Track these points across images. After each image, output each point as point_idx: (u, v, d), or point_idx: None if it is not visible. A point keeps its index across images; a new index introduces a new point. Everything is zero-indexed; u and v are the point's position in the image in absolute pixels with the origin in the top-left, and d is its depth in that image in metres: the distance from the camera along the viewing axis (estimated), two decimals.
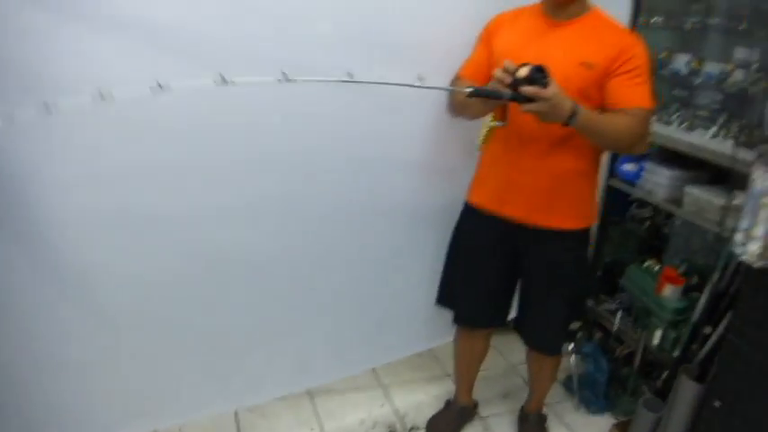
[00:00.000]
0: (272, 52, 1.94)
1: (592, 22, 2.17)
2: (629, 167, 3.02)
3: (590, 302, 3.19)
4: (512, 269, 2.41)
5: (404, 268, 2.67)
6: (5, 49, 1.74)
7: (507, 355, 3.21)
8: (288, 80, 1.82)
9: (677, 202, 2.79)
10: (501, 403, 2.99)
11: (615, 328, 2.99)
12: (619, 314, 3.01)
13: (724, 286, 2.42)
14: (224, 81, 1.78)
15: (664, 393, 2.55)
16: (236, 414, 2.79)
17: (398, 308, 2.73)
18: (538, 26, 2.21)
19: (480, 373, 2.80)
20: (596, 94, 2.10)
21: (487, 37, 2.29)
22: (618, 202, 3.25)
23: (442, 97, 2.35)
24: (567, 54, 2.09)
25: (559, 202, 2.25)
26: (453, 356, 2.77)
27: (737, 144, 2.47)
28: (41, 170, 1.93)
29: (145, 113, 1.95)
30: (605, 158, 2.96)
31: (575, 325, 2.43)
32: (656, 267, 2.95)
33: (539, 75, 1.86)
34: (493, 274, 2.43)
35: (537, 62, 1.88)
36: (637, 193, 3.02)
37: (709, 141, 2.70)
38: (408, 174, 2.54)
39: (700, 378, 2.38)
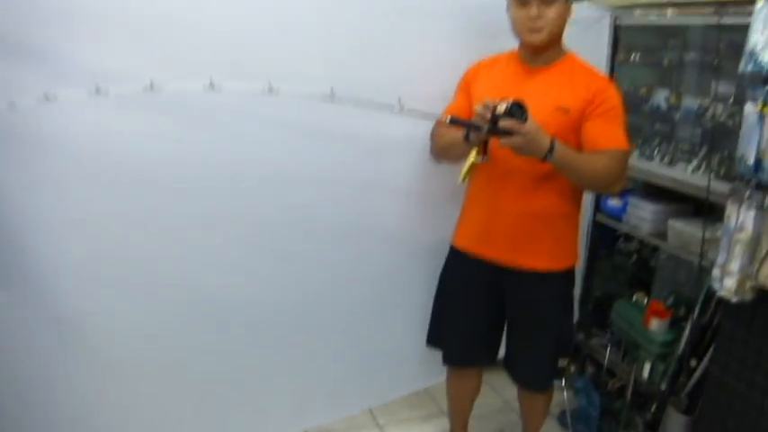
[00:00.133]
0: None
1: (566, 68, 2.25)
2: (614, 203, 3.08)
3: (581, 337, 3.23)
4: (498, 309, 2.45)
5: (397, 309, 2.72)
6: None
7: (501, 391, 3.24)
8: (271, 91, 1.90)
9: (662, 235, 2.84)
10: None
11: (606, 361, 3.02)
12: (609, 348, 3.04)
13: (707, 319, 2.46)
14: (212, 87, 1.86)
15: (654, 426, 2.59)
16: None
17: (393, 348, 2.76)
18: (515, 73, 2.29)
19: (475, 410, 2.82)
20: (573, 137, 2.17)
21: (466, 85, 2.38)
22: (605, 236, 3.31)
23: (428, 142, 2.43)
24: (542, 100, 2.16)
25: (541, 243, 2.31)
26: (446, 395, 2.80)
27: (717, 177, 2.52)
28: (36, 218, 2.01)
29: (138, 165, 2.07)
30: (590, 196, 3.03)
31: (563, 362, 2.45)
32: (645, 300, 2.99)
33: (517, 110, 1.93)
34: (479, 315, 2.48)
35: None
36: (622, 227, 3.08)
37: (690, 175, 2.74)
38: (400, 215, 2.62)
39: (688, 410, 2.42)
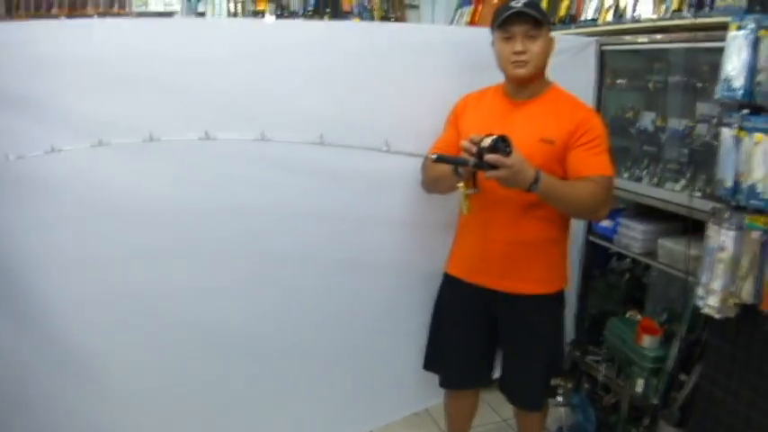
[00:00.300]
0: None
1: (551, 100, 2.35)
2: (605, 223, 3.16)
3: (577, 354, 3.31)
4: (492, 333, 2.53)
5: (395, 334, 2.78)
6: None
7: (499, 410, 3.31)
8: (263, 139, 1.98)
9: (652, 254, 2.91)
10: None
11: (601, 378, 3.09)
12: (603, 365, 3.11)
13: (696, 335, 2.54)
14: (207, 137, 1.96)
15: None
16: None
17: (393, 371, 2.82)
18: (501, 106, 2.39)
19: (474, 429, 2.90)
20: (558, 167, 2.26)
21: (455, 118, 2.47)
22: (598, 256, 3.39)
23: (419, 175, 2.52)
24: (528, 132, 2.25)
25: (531, 269, 2.40)
26: (444, 416, 2.88)
27: (704, 196, 2.59)
28: (41, 259, 2.12)
29: (137, 207, 2.17)
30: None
31: (555, 381, 2.54)
32: (638, 317, 3.07)
33: (502, 144, 2.02)
34: (473, 339, 2.56)
35: None
36: (614, 247, 3.16)
37: (678, 195, 2.81)
38: (395, 245, 2.70)
39: (680, 423, 2.50)
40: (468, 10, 4.84)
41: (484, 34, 2.41)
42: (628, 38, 3.07)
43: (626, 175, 3.15)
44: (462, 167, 2.14)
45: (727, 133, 2.08)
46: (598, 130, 2.30)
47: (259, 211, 2.37)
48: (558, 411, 3.14)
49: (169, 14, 4.69)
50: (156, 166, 2.15)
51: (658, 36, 2.89)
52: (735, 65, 2.03)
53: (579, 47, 3.09)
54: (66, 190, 2.10)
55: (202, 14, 4.95)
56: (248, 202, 2.35)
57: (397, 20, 5.26)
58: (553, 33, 2.68)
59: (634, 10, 3.06)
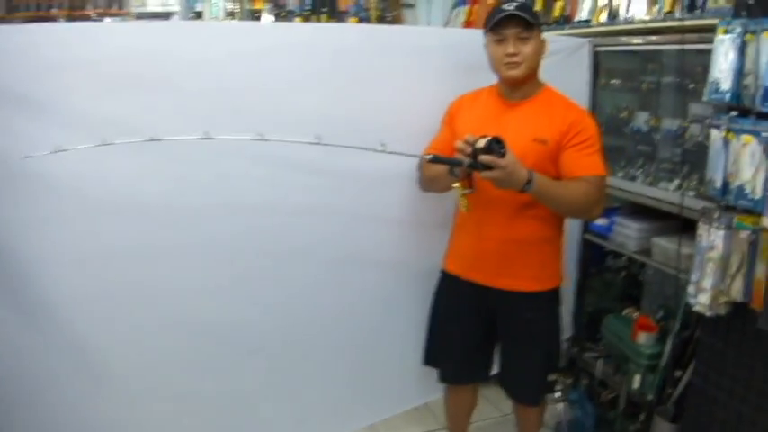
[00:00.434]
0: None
1: (543, 101, 2.39)
2: (601, 222, 3.19)
3: (575, 351, 3.36)
4: (489, 329, 2.58)
5: (395, 331, 2.83)
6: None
7: (499, 404, 3.35)
8: (262, 139, 2.03)
9: (647, 252, 2.95)
10: None
11: (598, 374, 3.14)
12: (600, 361, 3.15)
13: (690, 332, 2.59)
14: (207, 136, 2.00)
15: None
16: None
17: (393, 366, 2.87)
18: (495, 107, 2.43)
19: (474, 424, 2.96)
20: (551, 167, 2.31)
21: (450, 119, 2.52)
22: (595, 254, 3.43)
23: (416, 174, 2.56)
24: (521, 132, 2.30)
25: (526, 267, 2.45)
26: (444, 411, 2.93)
27: (698, 195, 2.63)
28: (48, 255, 2.17)
29: (141, 203, 2.24)
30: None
31: (552, 376, 2.59)
32: (635, 315, 3.11)
33: (496, 145, 2.06)
34: (471, 335, 2.61)
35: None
36: (610, 245, 3.20)
37: (671, 194, 2.84)
38: (393, 243, 2.76)
39: (675, 418, 2.54)
40: (463, 9, 4.86)
41: (478, 36, 2.46)
42: (623, 39, 3.10)
43: (620, 174, 3.19)
44: (457, 168, 2.18)
45: (716, 135, 2.12)
46: (590, 130, 2.34)
47: (258, 209, 2.42)
48: (556, 407, 3.19)
49: (167, 14, 4.73)
50: (157, 165, 2.20)
51: (652, 37, 2.93)
52: (722, 68, 2.07)
53: (573, 48, 3.13)
54: (72, 188, 2.14)
55: (200, 14, 4.99)
56: (248, 200, 2.40)
57: (393, 19, 5.29)
58: (547, 34, 2.74)
59: (627, 11, 3.08)
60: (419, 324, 2.73)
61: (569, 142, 2.31)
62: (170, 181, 2.27)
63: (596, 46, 3.19)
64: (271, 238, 2.47)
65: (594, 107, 3.23)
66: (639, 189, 3.05)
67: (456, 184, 2.25)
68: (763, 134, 1.94)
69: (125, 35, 2.30)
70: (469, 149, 2.10)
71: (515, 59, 2.32)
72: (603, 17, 3.25)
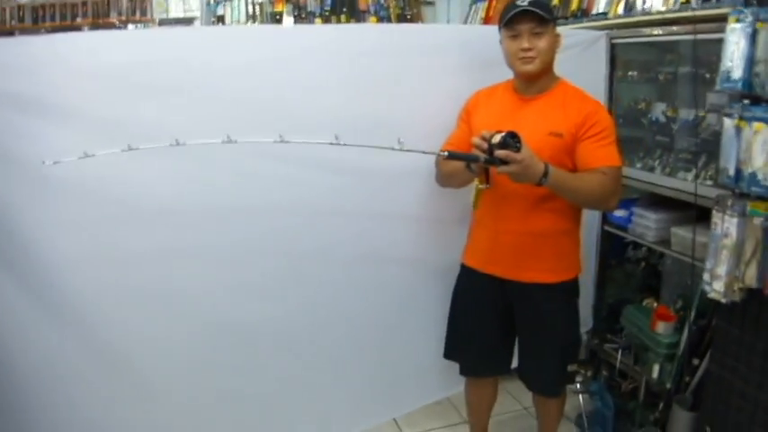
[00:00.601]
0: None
1: (558, 95, 2.41)
2: (620, 213, 3.20)
3: (596, 342, 3.38)
4: (509, 321, 2.61)
5: (416, 325, 2.87)
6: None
7: (520, 397, 3.38)
8: (282, 141, 2.06)
9: (666, 242, 2.96)
10: None
11: (618, 364, 3.16)
12: (620, 352, 3.17)
13: (707, 320, 2.60)
14: (229, 140, 2.05)
15: (663, 423, 2.72)
16: None
17: (414, 361, 2.91)
18: (511, 103, 2.46)
19: (495, 417, 2.98)
20: (568, 160, 2.34)
21: (467, 115, 2.55)
22: (615, 245, 3.45)
23: (434, 170, 2.60)
24: (537, 126, 2.33)
25: (544, 259, 2.47)
26: (465, 404, 2.96)
27: (715, 184, 2.62)
28: (76, 256, 2.23)
29: (165, 205, 2.29)
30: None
31: (572, 367, 2.62)
32: (654, 305, 3.12)
33: (511, 140, 2.09)
34: (491, 327, 2.64)
35: None
36: (629, 236, 3.21)
37: (689, 184, 2.84)
38: (413, 239, 2.80)
39: (693, 407, 2.56)
40: (482, 5, 4.88)
41: (493, 32, 2.49)
42: (639, 30, 3.10)
43: (639, 165, 3.19)
44: (474, 163, 2.22)
45: (728, 123, 2.13)
46: (605, 122, 2.37)
47: (280, 210, 2.47)
48: (576, 399, 3.21)
49: (189, 20, 4.80)
50: (182, 168, 2.25)
51: (666, 28, 2.93)
52: (733, 56, 2.09)
53: (590, 40, 3.15)
54: (99, 193, 2.20)
55: (221, 17, 5.04)
56: (270, 201, 2.44)
57: (412, 17, 5.31)
58: (564, 27, 2.76)
59: (644, 2, 3.09)
60: (440, 319, 2.76)
61: (585, 134, 2.33)
62: (193, 184, 2.32)
63: (613, 38, 3.20)
64: (292, 237, 2.52)
65: (612, 99, 3.25)
66: (658, 179, 3.05)
67: (475, 182, 2.28)
68: None
69: (148, 42, 2.37)
70: (486, 145, 2.13)
71: (530, 54, 2.35)
72: (620, 9, 3.25)
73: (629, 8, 3.20)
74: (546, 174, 2.16)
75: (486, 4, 4.81)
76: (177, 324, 2.41)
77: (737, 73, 2.07)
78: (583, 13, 3.61)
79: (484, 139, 2.14)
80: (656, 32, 3.00)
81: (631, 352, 3.12)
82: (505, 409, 3.30)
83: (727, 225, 2.14)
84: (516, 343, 2.70)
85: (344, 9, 5.20)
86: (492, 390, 2.86)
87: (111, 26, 4.69)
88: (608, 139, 2.35)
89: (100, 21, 4.74)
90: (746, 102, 2.09)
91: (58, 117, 2.10)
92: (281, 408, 2.68)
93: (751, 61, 2.04)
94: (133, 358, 2.38)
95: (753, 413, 2.19)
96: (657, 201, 3.10)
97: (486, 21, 4.63)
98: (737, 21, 2.09)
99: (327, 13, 5.17)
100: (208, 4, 4.96)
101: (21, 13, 4.68)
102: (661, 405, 2.79)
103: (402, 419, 3.12)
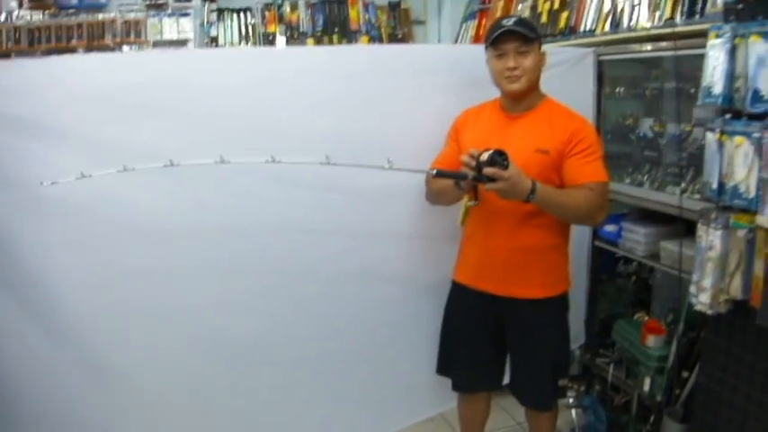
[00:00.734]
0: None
1: (545, 112, 2.45)
2: (610, 228, 3.24)
3: (588, 357, 3.40)
4: (499, 336, 2.63)
5: (408, 342, 2.88)
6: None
7: (513, 413, 3.39)
8: (274, 161, 2.11)
9: (655, 256, 2.99)
10: None
11: (610, 378, 3.17)
12: (612, 366, 3.19)
13: (696, 332, 2.62)
14: (222, 161, 2.09)
15: None
16: None
17: (407, 377, 2.92)
18: (498, 120, 2.50)
19: None
20: (555, 176, 2.37)
21: (455, 133, 2.59)
22: (606, 260, 3.47)
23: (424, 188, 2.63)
24: (524, 143, 2.37)
25: (533, 274, 2.50)
26: (458, 420, 2.97)
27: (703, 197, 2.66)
28: (71, 275, 2.27)
29: (160, 225, 2.32)
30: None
31: (563, 381, 2.63)
32: (645, 319, 3.14)
33: (499, 158, 2.13)
34: (482, 343, 2.65)
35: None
36: (619, 251, 3.24)
37: (677, 198, 2.87)
38: (404, 257, 2.83)
39: (684, 419, 2.57)
40: (472, 24, 4.95)
41: (481, 51, 2.53)
42: (624, 47, 3.15)
43: (628, 180, 3.22)
44: (463, 181, 2.25)
45: (710, 137, 2.17)
46: (591, 138, 2.41)
47: (272, 228, 2.50)
48: (569, 413, 3.23)
49: (183, 42, 4.83)
50: (176, 189, 2.29)
51: (649, 45, 2.97)
52: (714, 72, 2.12)
53: (577, 58, 3.19)
54: (95, 212, 2.25)
55: (215, 38, 5.08)
56: (261, 220, 2.48)
57: (404, 36, 5.37)
58: (552, 45, 2.79)
59: (630, 19, 3.14)
60: (431, 335, 2.78)
61: (571, 151, 2.37)
62: (187, 203, 2.36)
63: (600, 55, 3.24)
64: (284, 255, 2.55)
65: (600, 115, 3.29)
66: (646, 194, 3.08)
67: (465, 198, 2.31)
68: (754, 135, 1.99)
69: (145, 64, 2.43)
70: (474, 163, 2.17)
71: (516, 73, 2.39)
72: (607, 26, 3.30)
73: (616, 25, 3.25)
74: (533, 190, 2.19)
75: (477, 22, 4.87)
76: (169, 341, 2.44)
77: (718, 88, 2.11)
78: (570, 31, 3.66)
79: (472, 156, 2.18)
80: (641, 49, 3.03)
81: (623, 366, 3.14)
82: (499, 425, 3.32)
83: (711, 238, 2.16)
84: (508, 358, 2.71)
85: (336, 29, 5.25)
86: (485, 405, 2.87)
87: (105, 48, 4.72)
88: (594, 155, 2.39)
89: (95, 42, 4.77)
90: (728, 116, 2.12)
91: (55, 138, 2.15)
92: (272, 424, 2.70)
93: (731, 76, 2.07)
94: (124, 373, 2.41)
95: (742, 423, 2.20)
96: (646, 215, 3.13)
97: (477, 39, 4.70)
98: (717, 36, 2.12)
99: (319, 34, 5.22)
100: (201, 25, 4.99)
101: (17, 35, 4.72)
102: (652, 418, 2.80)
103: None
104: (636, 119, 3.36)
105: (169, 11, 4.95)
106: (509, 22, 2.38)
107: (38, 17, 4.77)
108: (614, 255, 3.40)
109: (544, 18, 3.88)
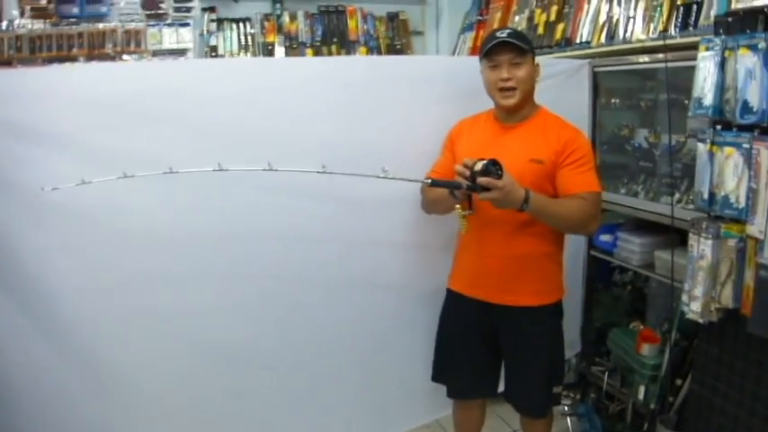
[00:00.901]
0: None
1: (539, 123, 2.49)
2: (605, 238, 3.27)
3: (583, 365, 3.42)
4: (494, 344, 2.65)
5: (404, 349, 2.92)
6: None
7: (509, 420, 3.41)
8: (272, 169, 2.13)
9: (650, 266, 3.01)
10: None
11: (605, 386, 3.20)
12: (606, 374, 3.21)
13: (690, 341, 2.65)
14: (220, 167, 2.11)
15: None
16: None
17: (403, 384, 2.95)
18: (493, 131, 2.53)
19: None
20: (549, 185, 2.40)
21: (450, 144, 2.62)
22: (602, 269, 3.51)
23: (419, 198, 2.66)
24: (518, 153, 2.40)
25: (527, 282, 2.53)
26: (453, 427, 2.99)
27: (696, 208, 2.67)
28: (71, 280, 2.30)
29: (158, 231, 2.35)
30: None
31: (557, 389, 2.65)
32: (640, 327, 3.17)
33: (493, 167, 2.16)
34: (477, 350, 2.68)
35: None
36: (615, 261, 3.27)
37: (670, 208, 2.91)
38: (400, 265, 2.86)
39: (678, 426, 2.60)
40: (470, 35, 4.99)
41: (476, 62, 2.57)
42: (620, 59, 3.18)
43: (623, 190, 3.26)
44: (457, 190, 2.28)
45: (701, 148, 2.20)
46: (584, 149, 2.44)
47: (270, 235, 2.53)
48: (565, 421, 3.25)
49: (182, 51, 4.87)
50: (174, 195, 2.32)
51: (654, 55, 2.98)
52: (705, 84, 2.16)
53: (573, 69, 3.24)
54: (95, 218, 2.28)
55: (215, 47, 5.12)
56: (260, 227, 2.51)
57: (402, 47, 5.39)
58: (548, 57, 2.82)
59: (625, 31, 3.17)
60: (426, 342, 2.81)
61: (564, 161, 2.40)
62: (185, 210, 2.40)
63: (595, 67, 3.28)
64: (281, 262, 2.58)
65: (596, 126, 3.33)
66: (641, 204, 3.12)
67: (458, 207, 2.34)
68: (744, 145, 2.03)
69: (144, 74, 2.48)
70: (468, 172, 2.20)
71: (509, 84, 2.42)
72: (603, 38, 3.33)
73: (611, 37, 3.28)
74: (527, 200, 2.22)
75: (474, 34, 4.91)
76: (170, 344, 2.47)
77: (708, 99, 2.14)
78: (566, 42, 3.69)
79: (466, 166, 2.21)
80: (635, 60, 3.07)
81: (618, 374, 3.16)
82: None
83: (702, 247, 2.19)
84: (503, 365, 2.73)
85: (335, 40, 5.28)
86: (480, 412, 2.89)
87: (106, 57, 4.75)
88: (587, 165, 2.42)
89: (95, 51, 4.79)
90: (718, 127, 2.15)
91: (56, 145, 2.19)
92: (268, 428, 2.73)
93: (721, 88, 2.11)
94: (122, 375, 2.44)
95: (733, 430, 2.22)
96: (642, 225, 3.17)
97: (474, 51, 4.72)
98: (707, 49, 2.16)
99: (318, 44, 5.25)
100: (201, 35, 5.02)
101: (18, 43, 4.75)
102: (646, 425, 2.82)
103: None
104: (631, 130, 3.39)
105: (169, 21, 4.97)
106: (503, 34, 2.41)
107: (39, 26, 4.80)
108: (610, 264, 3.44)
109: (541, 30, 3.91)
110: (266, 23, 5.23)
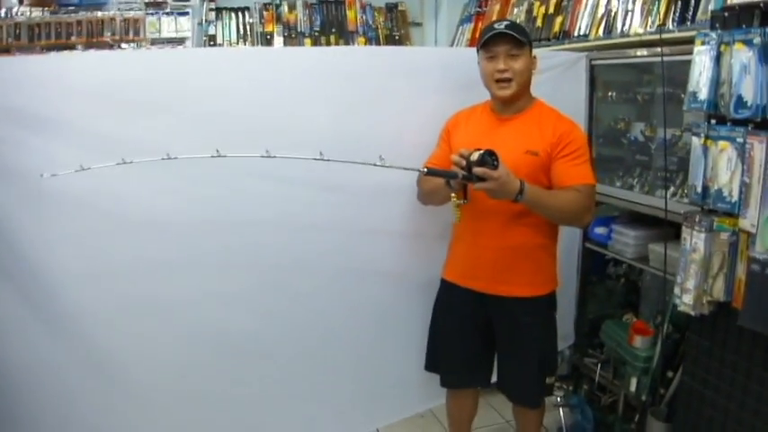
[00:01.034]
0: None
1: (535, 114, 2.50)
2: (600, 231, 3.28)
3: (576, 357, 3.44)
4: (487, 334, 2.67)
5: (398, 338, 2.93)
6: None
7: (502, 411, 3.44)
8: (269, 156, 2.13)
9: (644, 258, 3.02)
10: None
11: (598, 378, 3.22)
12: (599, 366, 3.23)
13: (682, 333, 2.67)
14: (218, 154, 2.12)
15: None
16: None
17: (397, 373, 2.97)
18: (489, 122, 2.55)
19: (477, 430, 3.05)
20: (544, 177, 2.42)
21: (447, 135, 2.64)
22: (596, 262, 3.52)
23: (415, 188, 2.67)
24: (514, 145, 2.41)
25: (521, 273, 2.55)
26: (446, 416, 3.01)
27: (690, 201, 2.68)
28: (71, 269, 2.32)
29: (156, 220, 2.37)
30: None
31: (550, 379, 2.67)
32: (633, 320, 3.19)
33: (489, 158, 2.18)
34: (470, 340, 2.70)
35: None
36: (609, 253, 3.28)
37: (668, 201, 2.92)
38: (395, 254, 2.87)
39: (669, 418, 2.62)
40: (468, 27, 4.99)
41: (473, 54, 2.58)
42: (617, 52, 3.19)
43: (618, 183, 3.27)
44: (453, 180, 2.29)
45: (696, 142, 2.21)
46: (579, 141, 2.45)
47: (267, 223, 2.55)
48: (557, 412, 3.27)
49: (181, 40, 4.87)
50: (173, 182, 2.33)
51: (652, 49, 2.99)
52: (700, 78, 2.17)
53: (570, 62, 3.24)
54: (94, 205, 2.29)
55: (213, 37, 5.12)
56: (258, 215, 2.53)
57: (401, 38, 5.40)
58: (545, 49, 2.82)
59: (623, 24, 3.18)
60: (420, 332, 2.83)
61: (559, 153, 2.42)
62: (183, 198, 2.41)
63: (593, 59, 3.28)
64: (277, 251, 2.59)
65: (593, 119, 3.33)
66: (635, 197, 3.13)
67: (453, 196, 2.35)
68: (738, 140, 2.04)
69: (144, 62, 2.49)
70: (464, 162, 2.21)
71: (506, 75, 2.43)
72: (601, 31, 3.34)
73: (609, 30, 3.28)
74: (522, 191, 2.24)
75: (473, 25, 4.91)
76: (169, 332, 2.49)
77: (703, 94, 2.15)
78: (565, 35, 3.70)
79: (463, 156, 2.22)
80: (633, 54, 3.07)
81: (611, 366, 3.18)
82: (487, 423, 3.37)
83: (695, 240, 2.20)
84: (496, 355, 2.75)
85: (334, 30, 5.29)
86: (472, 401, 2.92)
87: (104, 45, 4.76)
88: (582, 157, 2.43)
89: (94, 40, 4.80)
90: (713, 121, 2.16)
91: (55, 132, 2.19)
92: (265, 417, 2.74)
93: (716, 82, 2.12)
94: (125, 366, 2.46)
95: (723, 423, 2.24)
96: (636, 218, 3.18)
97: (472, 42, 4.73)
98: (703, 43, 2.16)
99: (317, 34, 5.26)
100: (199, 24, 5.02)
101: (17, 31, 4.76)
102: (637, 417, 2.85)
103: (384, 429, 3.17)
104: (627, 123, 3.41)
105: (168, 9, 4.98)
106: (501, 26, 2.42)
107: (38, 14, 4.80)
108: (604, 257, 3.45)
109: (539, 22, 3.92)
110: (265, 13, 5.24)
